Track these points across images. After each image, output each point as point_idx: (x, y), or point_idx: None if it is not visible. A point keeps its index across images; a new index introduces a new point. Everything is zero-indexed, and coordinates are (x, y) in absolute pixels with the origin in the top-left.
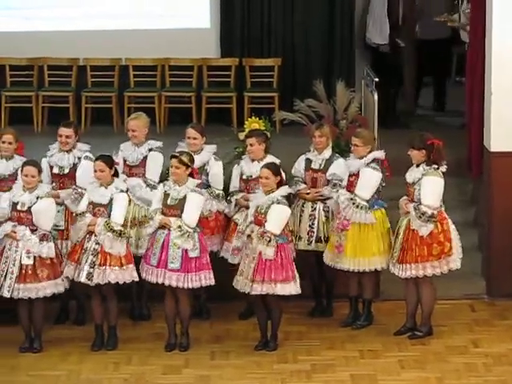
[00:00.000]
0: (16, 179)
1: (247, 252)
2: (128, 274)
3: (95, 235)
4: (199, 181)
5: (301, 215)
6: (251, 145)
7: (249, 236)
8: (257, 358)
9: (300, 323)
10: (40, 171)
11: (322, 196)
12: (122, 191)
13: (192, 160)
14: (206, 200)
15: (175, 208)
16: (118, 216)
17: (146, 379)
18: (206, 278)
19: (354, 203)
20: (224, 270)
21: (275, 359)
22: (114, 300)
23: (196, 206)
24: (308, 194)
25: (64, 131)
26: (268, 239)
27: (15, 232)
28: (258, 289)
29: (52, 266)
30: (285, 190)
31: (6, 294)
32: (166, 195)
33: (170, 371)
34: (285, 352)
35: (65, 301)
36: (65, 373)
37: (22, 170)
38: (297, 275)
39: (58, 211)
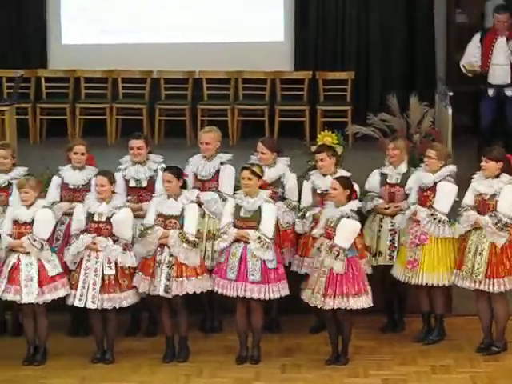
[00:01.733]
0: (89, 190)
1: (316, 265)
2: (204, 284)
3: (168, 247)
4: (270, 191)
5: (379, 230)
6: (322, 160)
7: (318, 249)
8: (328, 372)
9: (371, 338)
10: (112, 181)
11: (401, 210)
12: (192, 202)
13: (262, 172)
14: (284, 212)
15: (251, 220)
16: (191, 227)
17: None
18: (284, 289)
19: (435, 218)
20: (295, 282)
21: (346, 373)
22: (183, 312)
23: (272, 216)
24: (387, 208)
25: (135, 143)
26: (336, 253)
27: (95, 243)
28: (330, 303)
29: (132, 276)
30: (355, 204)
31: (91, 306)
32: (238, 208)
33: None
34: (356, 366)
35: (136, 312)
36: None
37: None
38: (369, 288)
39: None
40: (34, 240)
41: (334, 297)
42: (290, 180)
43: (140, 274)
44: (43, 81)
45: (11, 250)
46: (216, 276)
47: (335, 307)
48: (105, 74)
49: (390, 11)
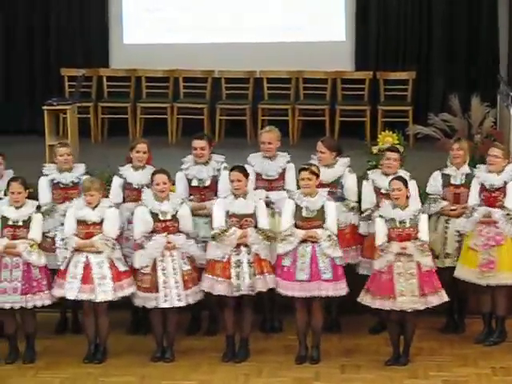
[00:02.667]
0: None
1: (399, 271)
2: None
3: (244, 247)
4: (327, 189)
5: (445, 232)
6: (394, 160)
7: (400, 254)
8: (388, 373)
9: (432, 339)
10: (170, 178)
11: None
12: (260, 199)
13: (319, 171)
14: (342, 212)
15: (315, 219)
16: (266, 223)
17: None
18: (346, 287)
19: (511, 218)
20: (354, 283)
21: (406, 374)
22: (250, 312)
23: (335, 213)
24: (453, 210)
25: (198, 143)
26: (424, 249)
27: (170, 242)
28: (434, 301)
29: (198, 270)
30: (418, 202)
31: (178, 304)
32: (299, 209)
33: None
34: (416, 368)
35: (196, 311)
36: (196, 383)
37: (152, 180)
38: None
39: (206, 223)
40: (107, 240)
41: (433, 294)
42: (349, 180)
43: (210, 276)
44: (105, 80)
45: (77, 250)
46: (280, 279)
47: (438, 303)
48: (166, 74)
49: (452, 10)
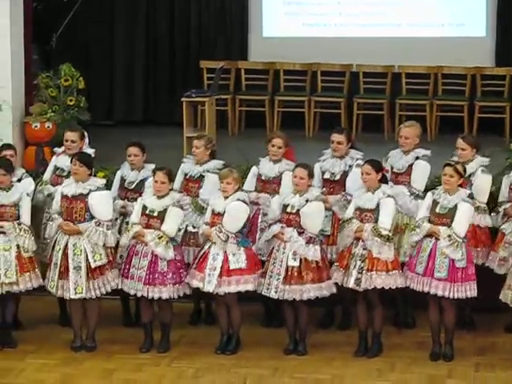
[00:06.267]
0: (280, 183)
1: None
2: (394, 280)
3: (362, 241)
4: (469, 191)
5: None
6: None
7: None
8: None
9: None
10: (311, 175)
11: None
12: (388, 196)
13: (465, 171)
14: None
15: (445, 217)
16: (386, 221)
17: None
18: (471, 289)
19: None
20: (489, 280)
21: None
22: (379, 308)
23: (467, 216)
24: None
25: (336, 137)
26: None
27: (283, 233)
28: None
29: (317, 270)
30: None
31: (274, 295)
32: (435, 203)
33: (434, 381)
34: None
35: (330, 306)
36: (328, 377)
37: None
38: None
39: (326, 216)
40: (220, 231)
41: None
42: (478, 180)
43: (335, 264)
44: (243, 73)
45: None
46: (407, 269)
47: None
48: (304, 67)
49: None
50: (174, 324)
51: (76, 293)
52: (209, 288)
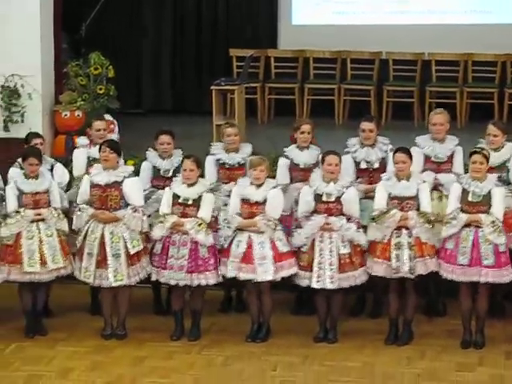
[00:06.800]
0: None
1: None
2: (438, 264)
3: (406, 229)
4: (496, 174)
5: None
6: None
7: None
8: None
9: None
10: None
11: None
12: (425, 182)
13: (489, 155)
14: (506, 197)
15: (481, 204)
16: (428, 206)
17: (438, 375)
18: (509, 274)
19: None
20: None
21: None
22: (414, 295)
23: (503, 199)
24: None
25: (367, 125)
26: None
27: (329, 224)
28: None
29: (362, 254)
30: None
31: (330, 286)
32: (466, 192)
33: (464, 368)
34: None
35: (361, 293)
36: (359, 364)
37: (322, 161)
38: None
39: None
40: (269, 220)
41: None
42: None
43: (370, 257)
44: (272, 61)
45: (239, 229)
46: (442, 261)
47: None
48: (334, 55)
49: None
50: (205, 312)
51: (116, 280)
52: (267, 277)
